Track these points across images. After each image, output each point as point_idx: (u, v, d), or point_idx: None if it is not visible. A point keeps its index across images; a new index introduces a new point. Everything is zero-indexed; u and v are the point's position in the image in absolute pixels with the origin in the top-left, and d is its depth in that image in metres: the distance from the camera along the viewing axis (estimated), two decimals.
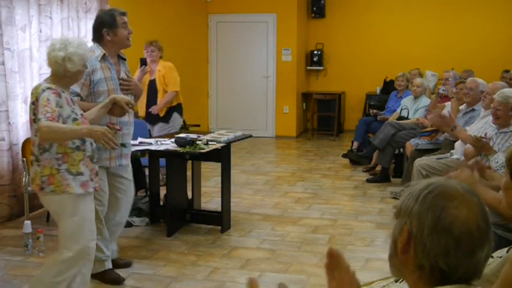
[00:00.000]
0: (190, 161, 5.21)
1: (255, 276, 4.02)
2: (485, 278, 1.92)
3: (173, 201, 4.96)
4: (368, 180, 6.90)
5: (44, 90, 3.06)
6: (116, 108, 3.54)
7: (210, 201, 5.87)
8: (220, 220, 5.00)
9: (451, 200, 1.26)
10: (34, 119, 3.09)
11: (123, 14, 3.86)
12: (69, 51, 3.12)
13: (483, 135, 4.25)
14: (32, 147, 3.19)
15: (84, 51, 3.20)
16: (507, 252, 2.08)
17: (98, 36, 3.84)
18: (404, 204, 1.32)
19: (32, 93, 3.15)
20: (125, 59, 4.00)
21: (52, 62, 3.14)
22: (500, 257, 2.03)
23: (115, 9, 3.89)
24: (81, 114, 3.23)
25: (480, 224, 1.25)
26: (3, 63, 5.14)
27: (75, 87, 3.63)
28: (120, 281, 3.90)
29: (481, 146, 4.08)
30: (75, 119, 3.15)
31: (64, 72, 3.15)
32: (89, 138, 3.17)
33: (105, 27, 3.79)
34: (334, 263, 1.46)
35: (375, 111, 8.03)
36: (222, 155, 4.91)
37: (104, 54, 3.78)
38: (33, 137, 3.15)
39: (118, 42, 3.84)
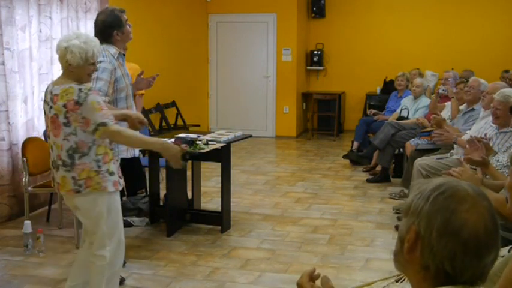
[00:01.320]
0: (190, 161, 5.21)
1: (255, 276, 4.02)
2: (487, 277, 1.92)
3: (173, 201, 4.96)
4: (368, 180, 6.89)
5: (86, 94, 2.97)
6: (128, 123, 3.54)
7: (210, 201, 5.87)
8: (220, 220, 5.00)
9: (462, 203, 1.24)
10: (66, 123, 3.01)
11: (123, 11, 3.99)
12: (71, 42, 3.04)
13: (483, 136, 4.24)
14: (60, 152, 3.09)
15: (89, 47, 3.08)
16: (508, 251, 2.08)
17: (105, 38, 3.88)
18: (414, 203, 1.29)
19: (57, 94, 3.02)
20: (123, 54, 4.10)
21: (58, 53, 3.08)
22: (502, 256, 2.03)
23: (115, 9, 3.98)
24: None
25: (489, 229, 1.24)
26: (3, 63, 5.14)
27: (105, 87, 3.72)
28: (120, 280, 3.90)
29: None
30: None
31: (66, 66, 3.07)
32: (161, 152, 3.21)
33: (114, 28, 3.90)
34: None
35: (373, 111, 8.02)
36: (222, 155, 4.91)
37: (119, 52, 3.92)
38: (61, 141, 3.06)
39: (125, 39, 3.99)
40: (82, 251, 3.42)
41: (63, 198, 3.28)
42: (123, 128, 3.12)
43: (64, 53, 3.05)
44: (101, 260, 3.22)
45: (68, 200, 3.25)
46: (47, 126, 3.19)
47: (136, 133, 3.20)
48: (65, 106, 3.00)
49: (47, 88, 3.17)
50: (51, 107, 3.06)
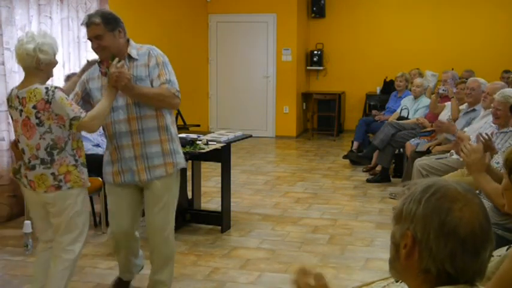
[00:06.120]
0: (190, 161, 5.21)
1: (255, 276, 4.02)
2: (485, 276, 1.92)
3: None
4: (368, 180, 6.89)
5: (53, 92, 3.01)
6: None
7: (210, 201, 5.87)
8: (220, 220, 5.00)
9: (454, 202, 1.24)
10: (39, 123, 3.04)
11: (86, 25, 3.19)
12: (38, 41, 3.04)
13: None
14: (36, 152, 3.09)
15: (52, 40, 3.13)
16: (507, 250, 2.08)
17: None
18: (406, 208, 1.29)
19: (25, 97, 3.04)
20: (136, 59, 3.32)
21: (23, 56, 3.03)
22: (500, 256, 2.03)
23: (87, 16, 3.27)
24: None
25: (483, 225, 1.24)
26: (3, 63, 5.15)
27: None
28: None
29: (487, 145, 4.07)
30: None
31: (36, 65, 3.05)
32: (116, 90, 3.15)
33: None
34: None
35: (375, 112, 8.00)
36: (222, 155, 4.91)
37: (101, 61, 3.29)
38: (38, 141, 3.08)
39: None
40: (44, 253, 3.33)
41: (36, 197, 3.19)
42: (91, 111, 3.10)
43: (34, 54, 3.03)
44: (70, 254, 3.22)
45: (45, 198, 3.15)
46: (15, 132, 3.19)
47: (101, 104, 3.12)
48: (34, 107, 3.03)
49: (11, 94, 3.16)
50: (21, 111, 3.08)
